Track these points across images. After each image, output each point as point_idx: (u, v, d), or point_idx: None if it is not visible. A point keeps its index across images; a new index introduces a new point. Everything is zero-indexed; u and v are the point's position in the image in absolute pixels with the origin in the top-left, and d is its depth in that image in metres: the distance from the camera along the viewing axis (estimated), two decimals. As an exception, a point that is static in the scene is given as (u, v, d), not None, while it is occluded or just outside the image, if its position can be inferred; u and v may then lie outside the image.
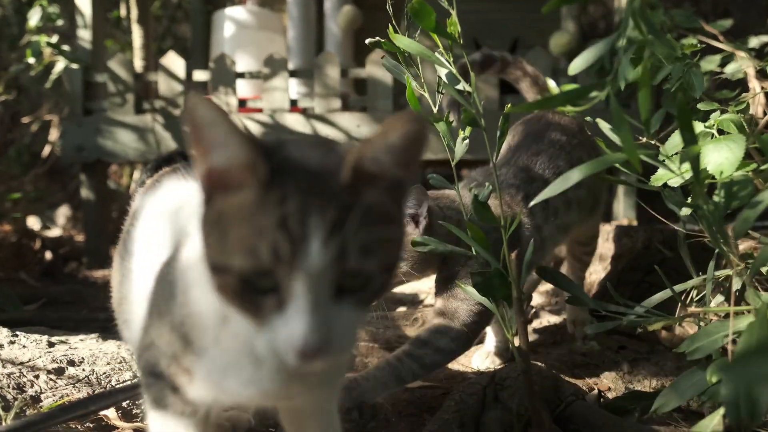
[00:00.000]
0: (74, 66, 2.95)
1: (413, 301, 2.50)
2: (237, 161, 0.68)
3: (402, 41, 1.20)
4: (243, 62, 3.51)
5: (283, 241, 0.64)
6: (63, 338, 1.57)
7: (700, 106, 1.47)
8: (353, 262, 0.66)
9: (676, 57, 1.54)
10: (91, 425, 1.29)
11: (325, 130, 3.15)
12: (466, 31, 1.28)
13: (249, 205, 0.66)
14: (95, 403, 1.23)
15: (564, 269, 2.02)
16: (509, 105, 1.21)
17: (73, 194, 4.20)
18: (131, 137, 3.26)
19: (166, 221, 0.97)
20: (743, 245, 1.82)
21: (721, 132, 1.30)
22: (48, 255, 3.11)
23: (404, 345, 1.48)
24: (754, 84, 1.40)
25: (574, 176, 1.04)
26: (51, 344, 1.51)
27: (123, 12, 4.33)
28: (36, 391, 1.32)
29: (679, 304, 1.70)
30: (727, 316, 1.40)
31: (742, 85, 1.63)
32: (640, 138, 1.32)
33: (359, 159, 0.68)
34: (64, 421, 1.23)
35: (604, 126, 1.31)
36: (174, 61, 3.28)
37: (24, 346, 1.47)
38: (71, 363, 1.43)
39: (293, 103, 3.26)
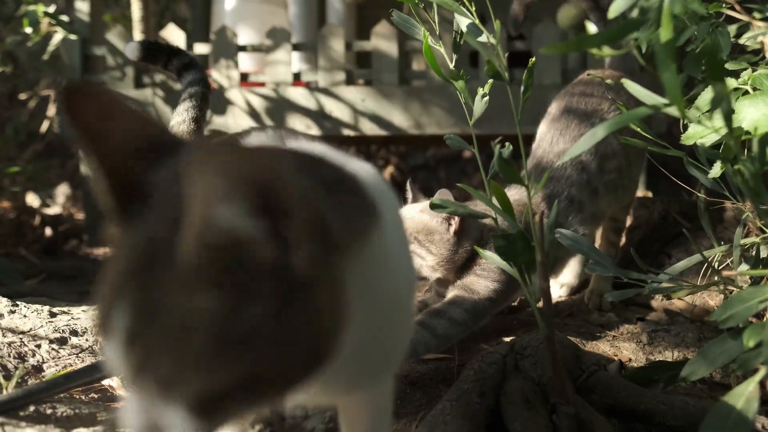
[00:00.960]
0: (72, 37, 2.87)
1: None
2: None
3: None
4: (245, 35, 3.43)
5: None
6: (65, 309, 1.52)
7: (729, 65, 1.41)
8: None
9: (701, 17, 1.47)
10: (96, 395, 1.24)
11: (329, 104, 3.08)
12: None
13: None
14: (99, 372, 1.18)
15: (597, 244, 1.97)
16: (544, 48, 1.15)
17: (73, 172, 4.13)
18: (131, 112, 3.19)
19: None
20: None
21: (755, 89, 1.24)
22: (48, 232, 3.06)
23: (419, 315, 1.43)
24: (773, 51, 1.34)
25: (599, 132, 0.99)
26: (53, 314, 1.46)
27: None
28: (38, 361, 1.27)
29: (702, 273, 1.65)
30: (757, 282, 1.35)
31: (758, 55, 1.57)
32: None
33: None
34: (67, 390, 1.19)
35: (632, 86, 1.25)
36: (174, 34, 3.20)
37: (25, 316, 1.42)
38: (74, 333, 1.39)
39: (296, 77, 3.19)
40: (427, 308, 1.52)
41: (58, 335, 1.35)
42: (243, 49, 3.19)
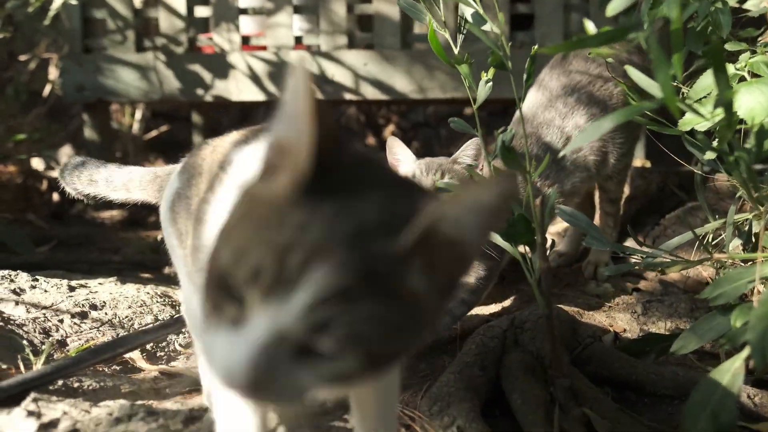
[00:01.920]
0: (73, 1, 2.85)
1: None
2: (289, 138, 0.59)
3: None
4: (245, -3, 3.39)
5: (271, 269, 0.55)
6: (83, 282, 1.58)
7: (728, 46, 1.43)
8: (330, 346, 0.55)
9: (703, -7, 1.48)
10: (118, 368, 1.31)
11: (330, 68, 3.08)
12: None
13: (272, 204, 0.58)
14: (122, 346, 1.25)
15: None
16: (535, 47, 1.17)
17: (75, 134, 4.14)
18: (133, 76, 3.19)
19: None
20: None
21: (753, 75, 1.26)
22: (55, 196, 3.10)
23: None
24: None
25: (606, 123, 1.02)
26: (71, 288, 1.52)
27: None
28: (62, 335, 1.33)
29: (696, 247, 1.71)
30: (747, 262, 1.41)
31: (765, 23, 1.58)
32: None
33: (434, 223, 0.57)
34: (93, 365, 1.25)
35: (635, 74, 1.27)
36: (174, -4, 3.17)
37: (45, 291, 1.48)
38: (93, 307, 1.45)
39: (298, 41, 3.18)
40: None
41: (78, 309, 1.41)
42: (244, 12, 3.17)
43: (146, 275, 1.95)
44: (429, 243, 0.57)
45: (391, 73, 3.06)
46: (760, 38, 1.59)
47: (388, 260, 0.56)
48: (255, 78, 3.13)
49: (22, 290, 1.47)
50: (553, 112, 1.72)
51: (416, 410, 1.14)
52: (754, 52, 1.40)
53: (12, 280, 1.49)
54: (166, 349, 1.38)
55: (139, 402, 1.16)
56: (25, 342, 1.27)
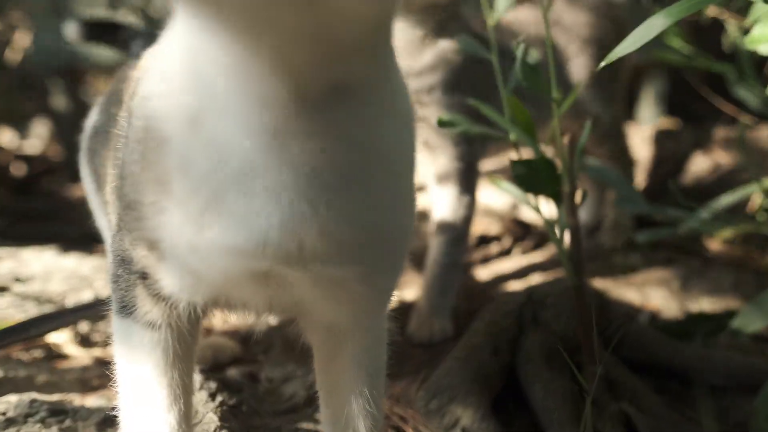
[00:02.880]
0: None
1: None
2: None
3: None
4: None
5: None
6: (13, 252, 1.32)
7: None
8: None
9: None
10: (41, 354, 1.06)
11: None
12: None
13: None
14: (38, 327, 0.99)
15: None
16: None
17: (47, 103, 3.88)
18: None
19: None
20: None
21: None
22: (22, 169, 2.86)
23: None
24: None
25: (658, 22, 0.77)
26: (-4, 258, 1.27)
27: None
28: (-30, 313, 1.08)
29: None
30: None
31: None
32: None
33: None
34: (4, 346, 1.00)
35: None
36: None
37: (-39, 261, 1.23)
38: (18, 279, 1.19)
39: None
40: None
41: (-2, 283, 1.16)
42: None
43: (102, 247, 1.69)
44: None
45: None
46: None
47: None
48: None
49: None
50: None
51: (409, 407, 0.89)
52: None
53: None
54: (107, 331, 1.12)
55: (54, 397, 0.91)
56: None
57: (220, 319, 1.23)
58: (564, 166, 0.91)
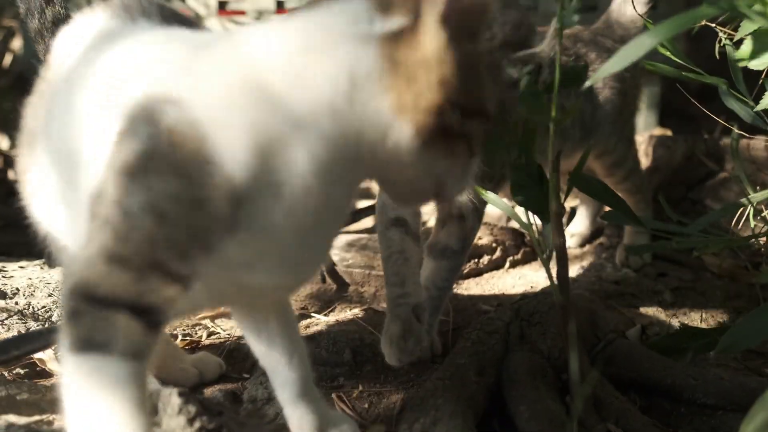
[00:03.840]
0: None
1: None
2: None
3: None
4: (223, -44, 3.11)
5: None
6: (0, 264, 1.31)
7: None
8: None
9: None
10: (22, 371, 1.05)
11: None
12: None
13: None
14: (30, 343, 0.98)
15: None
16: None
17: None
18: (100, 43, 2.92)
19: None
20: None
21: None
22: (12, 175, 2.84)
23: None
24: None
25: (647, 41, 0.75)
26: (-22, 273, 1.26)
27: None
28: (-49, 330, 1.07)
29: (734, 223, 1.44)
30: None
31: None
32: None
33: None
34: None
35: None
36: (144, -45, 2.89)
37: (-56, 275, 1.22)
38: (2, 295, 1.18)
39: (279, 5, 2.90)
40: None
41: (-18, 298, 1.15)
42: (220, -28, 2.89)
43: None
44: None
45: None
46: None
47: None
48: (233, 45, 2.86)
49: None
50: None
51: (393, 429, 0.88)
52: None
53: None
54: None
55: (34, 418, 0.90)
56: None
57: (205, 334, 1.22)
58: (552, 185, 0.90)
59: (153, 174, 0.60)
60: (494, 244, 1.57)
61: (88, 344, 0.60)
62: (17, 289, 1.20)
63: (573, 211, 1.74)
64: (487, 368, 0.99)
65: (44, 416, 0.92)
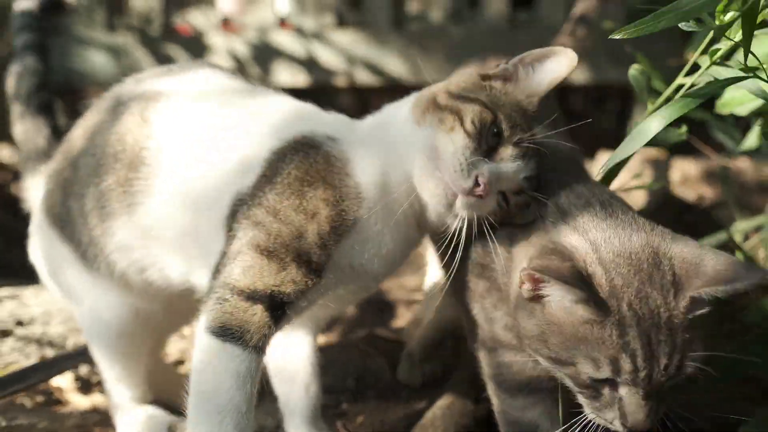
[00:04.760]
0: (34, -24, 2.62)
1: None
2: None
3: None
4: (225, -27, 3.16)
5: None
6: (14, 292, 1.36)
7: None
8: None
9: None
10: (41, 399, 1.10)
11: (319, 50, 2.86)
12: None
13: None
14: (48, 370, 1.04)
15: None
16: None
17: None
18: (104, 59, 2.97)
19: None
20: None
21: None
22: (13, 186, 2.88)
23: None
24: None
25: (653, 125, 0.79)
26: (-2, 300, 1.31)
27: None
28: (-26, 359, 1.12)
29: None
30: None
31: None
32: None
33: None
34: (9, 394, 1.04)
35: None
36: (147, -28, 2.94)
37: (-36, 304, 1.27)
38: (20, 323, 1.23)
39: (282, 21, 2.95)
40: None
41: (1, 326, 1.20)
42: (223, -11, 2.94)
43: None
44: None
45: (383, 54, 2.84)
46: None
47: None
48: (237, 61, 2.91)
49: (-61, 302, 1.26)
50: None
51: (394, 458, 0.93)
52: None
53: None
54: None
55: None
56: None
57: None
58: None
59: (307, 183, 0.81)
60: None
61: (226, 331, 0.73)
62: (33, 317, 1.25)
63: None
64: (484, 396, 1.04)
65: (64, 445, 0.97)
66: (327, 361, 1.19)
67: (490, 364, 0.88)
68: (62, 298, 1.04)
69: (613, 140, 0.96)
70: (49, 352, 1.18)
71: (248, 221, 0.79)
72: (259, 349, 0.75)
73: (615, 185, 0.95)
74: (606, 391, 0.75)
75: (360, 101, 4.79)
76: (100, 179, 0.89)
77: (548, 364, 0.77)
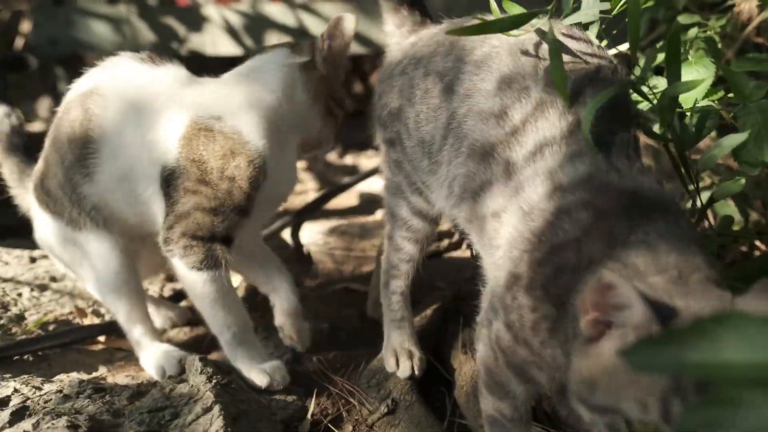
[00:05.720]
0: (38, -47, 2.78)
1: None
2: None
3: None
4: (219, -56, 3.30)
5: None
6: (45, 252, 1.61)
7: (681, 18, 1.42)
8: None
9: (660, -40, 1.47)
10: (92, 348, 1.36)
11: (308, 20, 3.03)
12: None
13: None
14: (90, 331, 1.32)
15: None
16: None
17: (54, 85, 4.09)
18: (106, 28, 3.14)
19: None
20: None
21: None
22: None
23: None
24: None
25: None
26: (33, 260, 1.56)
27: None
28: (20, 309, 1.38)
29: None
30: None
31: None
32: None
33: None
34: (51, 347, 1.30)
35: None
36: (143, -55, 3.08)
37: (6, 263, 1.52)
38: (53, 279, 1.49)
39: (274, -8, 3.11)
40: None
41: (39, 282, 1.45)
42: (217, -39, 3.09)
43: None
44: None
45: (371, 24, 3.01)
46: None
47: None
48: (231, 31, 3.08)
49: (-16, 263, 1.51)
50: None
51: (356, 383, 1.20)
52: (703, 25, 1.39)
53: (-27, 252, 1.53)
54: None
55: (91, 375, 1.22)
56: (-17, 316, 1.32)
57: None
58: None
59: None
60: (453, 229, 1.86)
61: (205, 265, 1.15)
62: (64, 273, 1.50)
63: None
64: (429, 336, 1.30)
65: (98, 375, 1.24)
66: (306, 309, 1.45)
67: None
68: (77, 277, 1.32)
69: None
70: (81, 303, 1.44)
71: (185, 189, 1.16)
72: (225, 266, 1.17)
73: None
74: None
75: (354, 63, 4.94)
76: (64, 158, 1.19)
77: (586, 412, 0.74)
